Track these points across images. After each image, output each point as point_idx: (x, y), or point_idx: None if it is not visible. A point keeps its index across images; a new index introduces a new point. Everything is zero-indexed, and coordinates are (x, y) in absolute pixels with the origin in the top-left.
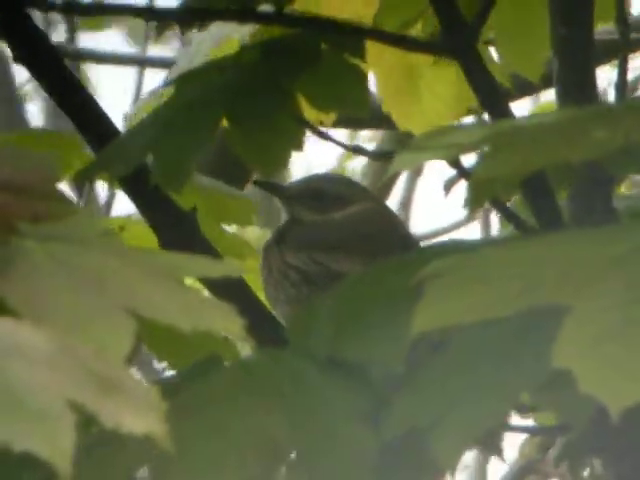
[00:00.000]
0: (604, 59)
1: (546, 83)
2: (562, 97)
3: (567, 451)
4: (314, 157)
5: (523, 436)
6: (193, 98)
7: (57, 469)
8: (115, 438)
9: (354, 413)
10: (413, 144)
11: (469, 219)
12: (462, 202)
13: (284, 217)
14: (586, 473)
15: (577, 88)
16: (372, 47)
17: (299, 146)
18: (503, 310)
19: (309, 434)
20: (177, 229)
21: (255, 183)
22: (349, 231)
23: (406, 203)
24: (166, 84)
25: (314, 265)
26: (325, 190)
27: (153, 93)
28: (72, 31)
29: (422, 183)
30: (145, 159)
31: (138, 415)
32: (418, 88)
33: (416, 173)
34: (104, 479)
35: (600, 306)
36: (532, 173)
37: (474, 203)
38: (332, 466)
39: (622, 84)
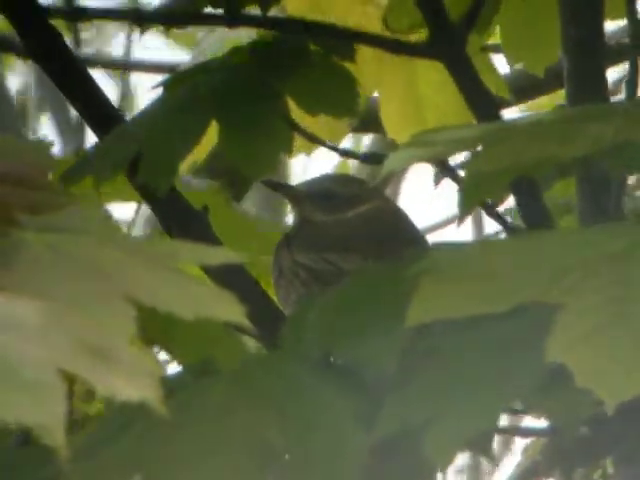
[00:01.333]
0: (615, 60)
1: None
2: (572, 97)
3: (558, 456)
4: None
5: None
6: (182, 99)
7: (50, 437)
8: (111, 443)
9: (347, 415)
10: (404, 144)
11: (460, 220)
12: (449, 201)
13: (294, 217)
14: (597, 475)
15: (587, 88)
16: (371, 68)
17: (288, 149)
18: (497, 306)
19: (302, 437)
20: (188, 228)
21: (264, 183)
22: (360, 230)
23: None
24: (156, 85)
25: (325, 264)
26: (335, 190)
27: None
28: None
29: (407, 182)
30: (132, 160)
31: (132, 382)
32: (423, 114)
33: (401, 172)
34: None
35: (594, 302)
36: (522, 172)
37: (466, 206)
38: (325, 468)
39: (633, 83)
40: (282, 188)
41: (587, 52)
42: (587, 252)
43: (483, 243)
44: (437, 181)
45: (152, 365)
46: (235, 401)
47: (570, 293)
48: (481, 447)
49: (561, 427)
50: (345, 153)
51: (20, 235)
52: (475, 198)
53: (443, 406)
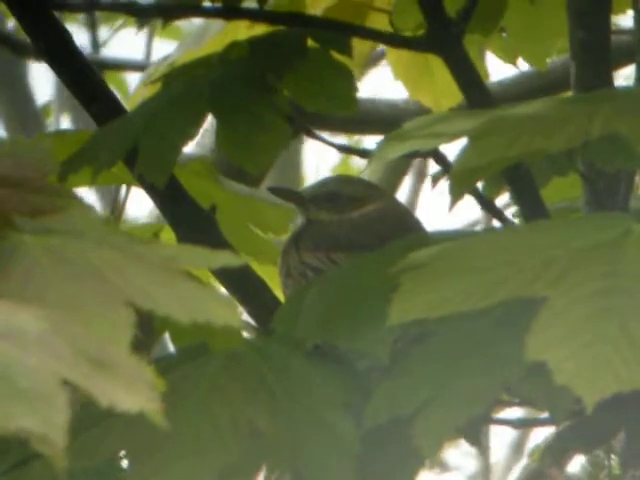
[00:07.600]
0: (620, 62)
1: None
2: None
3: (552, 446)
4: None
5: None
6: (179, 92)
7: (48, 447)
8: (100, 420)
9: (337, 402)
10: (397, 134)
11: (451, 207)
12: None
13: (300, 220)
14: (603, 474)
15: (594, 90)
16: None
17: (285, 143)
18: (478, 303)
19: (291, 422)
20: (195, 227)
21: (270, 190)
22: (365, 230)
23: (411, 207)
24: (155, 79)
25: (331, 264)
26: (340, 191)
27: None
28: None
29: (426, 188)
30: (129, 150)
31: (132, 393)
32: (430, 59)
33: (420, 178)
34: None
35: (576, 295)
36: (512, 165)
37: (456, 193)
38: (314, 454)
39: None
40: (287, 193)
41: (594, 55)
42: (575, 243)
43: (467, 237)
44: (435, 182)
45: (151, 377)
46: (226, 381)
47: (553, 286)
48: (471, 437)
49: (551, 416)
50: (343, 149)
51: (18, 238)
52: (465, 186)
53: (432, 394)
